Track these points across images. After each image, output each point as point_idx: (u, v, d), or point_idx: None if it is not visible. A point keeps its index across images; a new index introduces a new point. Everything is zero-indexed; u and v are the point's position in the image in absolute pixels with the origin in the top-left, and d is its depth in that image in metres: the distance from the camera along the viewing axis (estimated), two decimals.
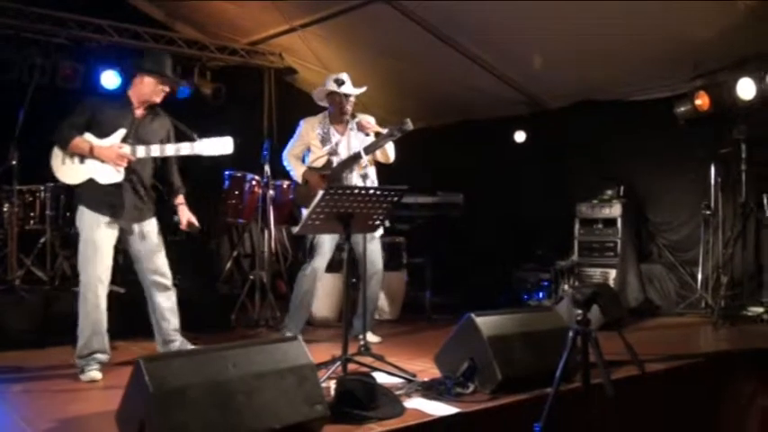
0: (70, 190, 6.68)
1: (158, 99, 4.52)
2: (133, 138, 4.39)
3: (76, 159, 4.36)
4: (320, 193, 3.75)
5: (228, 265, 7.84)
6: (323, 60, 8.08)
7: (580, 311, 2.92)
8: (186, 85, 7.85)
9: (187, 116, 7.76)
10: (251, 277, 6.63)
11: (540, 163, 7.99)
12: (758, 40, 5.94)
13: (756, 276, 6.65)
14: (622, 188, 7.42)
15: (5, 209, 6.36)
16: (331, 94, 5.36)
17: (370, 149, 5.16)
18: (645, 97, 7.15)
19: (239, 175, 6.67)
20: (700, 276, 7.03)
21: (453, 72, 7.52)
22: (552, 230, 7.83)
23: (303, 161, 5.46)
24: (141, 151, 4.35)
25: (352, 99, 5.35)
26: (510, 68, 7.41)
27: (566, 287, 7.32)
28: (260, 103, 8.66)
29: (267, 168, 6.17)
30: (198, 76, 8.15)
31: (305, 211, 5.26)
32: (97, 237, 4.26)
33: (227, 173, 6.71)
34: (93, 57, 7.43)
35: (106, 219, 4.30)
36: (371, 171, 5.30)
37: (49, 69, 7.09)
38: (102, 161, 4.31)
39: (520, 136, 8.29)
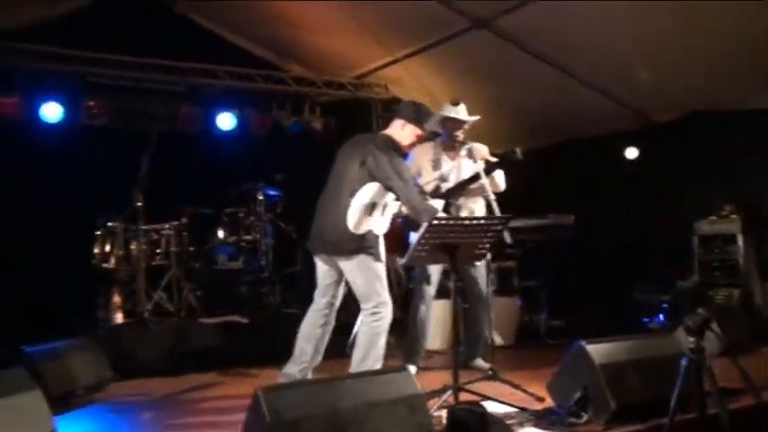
0: (193, 229, 7.22)
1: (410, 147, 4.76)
2: None
3: (373, 213, 4.48)
4: (424, 225, 3.83)
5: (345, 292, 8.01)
6: (427, 89, 8.19)
7: (693, 339, 2.84)
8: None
9: (299, 151, 8.10)
10: None
11: (654, 179, 7.75)
12: None
13: None
14: (743, 202, 7.10)
15: (133, 247, 6.78)
16: (445, 121, 5.36)
17: (472, 180, 5.20)
18: (762, 106, 6.85)
19: None
20: None
21: (556, 91, 7.45)
22: (670, 250, 7.55)
23: None
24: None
25: (466, 126, 5.38)
26: (612, 83, 7.27)
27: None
28: (369, 133, 8.84)
29: None
30: (308, 111, 8.45)
31: (413, 236, 5.38)
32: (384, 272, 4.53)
33: None
34: (210, 101, 7.86)
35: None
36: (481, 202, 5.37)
37: (170, 116, 7.52)
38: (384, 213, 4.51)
39: (631, 152, 8.08)
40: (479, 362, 5.47)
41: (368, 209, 4.38)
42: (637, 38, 6.30)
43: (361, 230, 4.37)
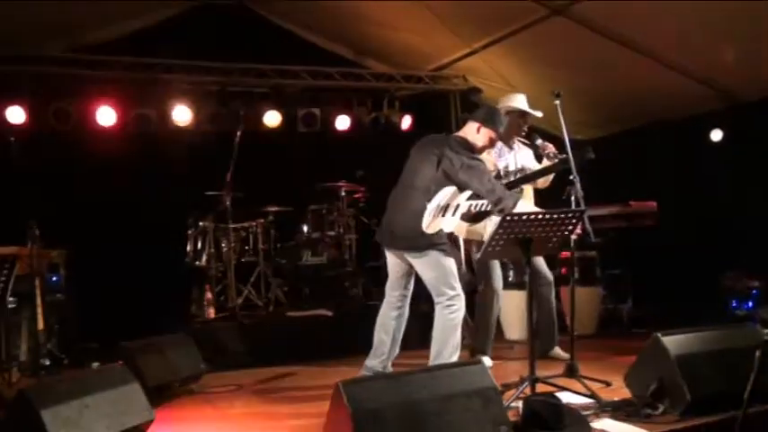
0: (279, 226, 7.46)
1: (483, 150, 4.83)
2: None
3: (445, 214, 4.57)
4: (498, 219, 3.88)
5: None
6: (505, 77, 8.19)
7: (767, 330, 2.82)
8: None
9: (379, 146, 8.22)
10: None
11: (740, 161, 7.50)
12: None
13: None
14: None
15: (223, 245, 7.07)
16: (511, 113, 5.40)
17: (544, 173, 5.22)
18: None
19: None
20: None
21: (636, 74, 7.32)
22: (760, 235, 7.32)
23: None
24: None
25: (529, 120, 5.44)
26: (695, 62, 7.07)
27: None
28: (447, 125, 8.90)
29: None
30: (387, 106, 8.58)
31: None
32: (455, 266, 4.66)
33: None
34: (292, 100, 8.09)
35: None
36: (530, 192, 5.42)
37: (252, 117, 7.77)
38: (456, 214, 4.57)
39: (716, 135, 7.85)
40: (557, 351, 5.50)
41: (441, 210, 4.47)
42: (721, 13, 6.11)
43: (432, 230, 4.47)
